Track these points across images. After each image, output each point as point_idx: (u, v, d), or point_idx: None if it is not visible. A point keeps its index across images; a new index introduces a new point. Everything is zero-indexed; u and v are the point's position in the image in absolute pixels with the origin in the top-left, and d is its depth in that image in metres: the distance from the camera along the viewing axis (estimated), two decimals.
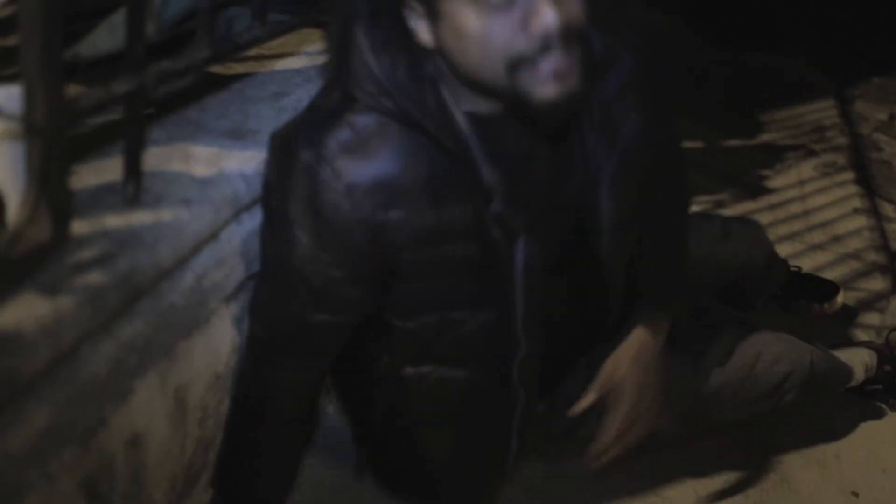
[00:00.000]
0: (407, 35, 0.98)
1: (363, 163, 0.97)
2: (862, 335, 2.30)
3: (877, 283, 2.66)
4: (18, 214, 0.79)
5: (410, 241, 1.01)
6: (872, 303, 2.52)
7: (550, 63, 0.91)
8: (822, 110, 4.55)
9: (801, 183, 3.44)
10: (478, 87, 0.98)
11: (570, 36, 0.91)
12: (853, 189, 3.42)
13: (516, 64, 0.92)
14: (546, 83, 0.92)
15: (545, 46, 0.90)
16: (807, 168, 3.62)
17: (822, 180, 3.49)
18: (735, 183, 3.32)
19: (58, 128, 0.77)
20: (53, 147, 0.77)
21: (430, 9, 0.94)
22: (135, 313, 0.90)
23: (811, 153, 3.81)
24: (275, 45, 1.43)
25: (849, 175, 3.57)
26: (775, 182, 3.43)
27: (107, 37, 0.97)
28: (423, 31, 0.97)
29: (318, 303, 1.05)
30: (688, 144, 3.75)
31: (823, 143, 4.00)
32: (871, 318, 2.45)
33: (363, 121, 0.98)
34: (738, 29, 5.95)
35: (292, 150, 0.99)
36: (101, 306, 0.83)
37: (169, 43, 1.05)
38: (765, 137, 3.99)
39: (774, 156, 3.74)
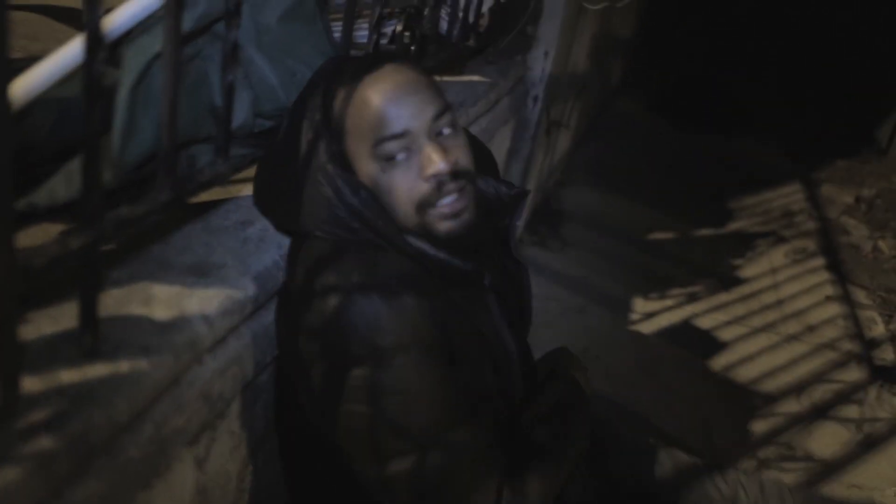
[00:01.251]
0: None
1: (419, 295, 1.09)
2: (841, 430, 2.29)
3: (854, 374, 2.66)
4: None
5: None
6: (850, 394, 2.51)
7: (447, 204, 1.11)
8: (790, 195, 4.64)
9: (773, 271, 3.47)
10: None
11: (458, 175, 1.11)
12: (824, 275, 3.46)
13: (421, 206, 1.11)
14: (445, 220, 1.12)
15: (440, 186, 1.10)
16: (778, 255, 3.66)
17: (793, 267, 3.53)
18: (708, 274, 3.35)
19: (8, 290, 0.75)
20: (2, 310, 0.75)
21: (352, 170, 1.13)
22: (89, 473, 0.86)
23: (781, 240, 3.86)
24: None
25: (819, 261, 3.62)
26: (748, 271, 3.46)
27: (64, 185, 0.96)
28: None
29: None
30: (660, 236, 3.80)
31: (793, 228, 4.06)
32: (850, 410, 2.44)
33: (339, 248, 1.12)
34: (707, 116, 6.11)
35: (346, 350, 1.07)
36: (52, 473, 0.79)
37: (130, 185, 1.04)
38: (735, 225, 4.04)
39: (745, 244, 3.78)
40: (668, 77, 6.93)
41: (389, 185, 1.10)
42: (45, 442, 0.79)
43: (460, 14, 2.21)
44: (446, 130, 1.12)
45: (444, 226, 1.12)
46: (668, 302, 3.06)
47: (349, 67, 1.14)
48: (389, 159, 1.09)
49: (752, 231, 3.98)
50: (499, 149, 2.69)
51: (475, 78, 2.36)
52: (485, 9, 2.46)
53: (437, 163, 1.08)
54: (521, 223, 1.33)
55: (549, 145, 3.47)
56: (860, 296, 3.33)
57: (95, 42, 0.83)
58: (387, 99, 1.09)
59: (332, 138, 1.12)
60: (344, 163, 1.12)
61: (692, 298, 3.11)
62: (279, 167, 1.16)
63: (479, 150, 1.39)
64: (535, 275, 2.91)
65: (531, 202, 3.45)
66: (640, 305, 3.01)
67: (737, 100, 6.80)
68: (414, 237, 1.13)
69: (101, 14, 0.84)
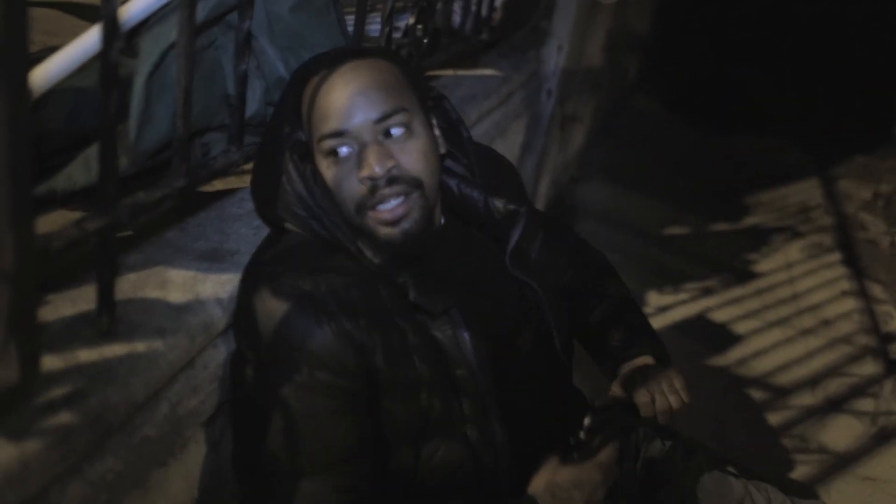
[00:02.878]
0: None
1: (311, 278, 1.06)
2: (856, 423, 2.29)
3: (868, 368, 2.65)
4: None
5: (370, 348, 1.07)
6: (865, 388, 2.51)
7: (386, 209, 1.08)
8: (807, 191, 4.62)
9: (789, 266, 3.46)
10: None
11: (397, 182, 1.08)
12: (840, 270, 3.44)
13: (359, 207, 1.09)
14: (384, 226, 1.10)
15: (373, 189, 1.07)
16: (793, 250, 3.65)
17: (809, 262, 3.52)
18: (723, 269, 3.35)
19: (27, 272, 0.77)
20: (23, 291, 0.77)
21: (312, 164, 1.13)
22: (106, 450, 0.89)
23: (797, 235, 3.85)
24: None
25: (835, 256, 3.60)
26: (763, 266, 3.45)
27: (82, 171, 0.99)
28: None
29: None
30: (675, 231, 3.79)
31: (809, 223, 4.04)
32: (865, 404, 2.43)
33: (296, 242, 1.11)
34: (722, 113, 6.09)
35: (254, 289, 1.06)
36: (71, 448, 0.82)
37: (146, 172, 1.07)
38: (751, 221, 4.03)
39: (761, 239, 3.77)
40: (683, 74, 6.91)
41: (335, 182, 1.10)
42: (63, 418, 0.82)
43: (473, 8, 2.22)
44: (396, 132, 1.10)
45: (382, 231, 1.10)
46: (682, 296, 3.06)
47: (321, 59, 1.15)
48: (333, 155, 1.09)
49: (768, 226, 3.97)
50: (512, 143, 2.71)
51: (488, 72, 2.37)
52: (498, 2, 2.48)
53: (370, 167, 1.06)
54: (517, 240, 1.27)
55: (562, 140, 3.47)
56: (876, 291, 3.31)
57: (112, 31, 0.86)
58: (332, 94, 1.09)
59: (297, 129, 1.12)
60: (308, 155, 1.12)
61: (706, 293, 3.12)
62: (262, 156, 1.17)
63: (494, 162, 1.39)
64: None
65: (546, 198, 3.46)
66: (654, 300, 3.01)
67: (752, 97, 6.77)
68: (363, 239, 1.11)
69: (117, 4, 0.86)
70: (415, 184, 1.10)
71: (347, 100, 1.08)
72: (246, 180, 1.42)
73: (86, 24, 2.13)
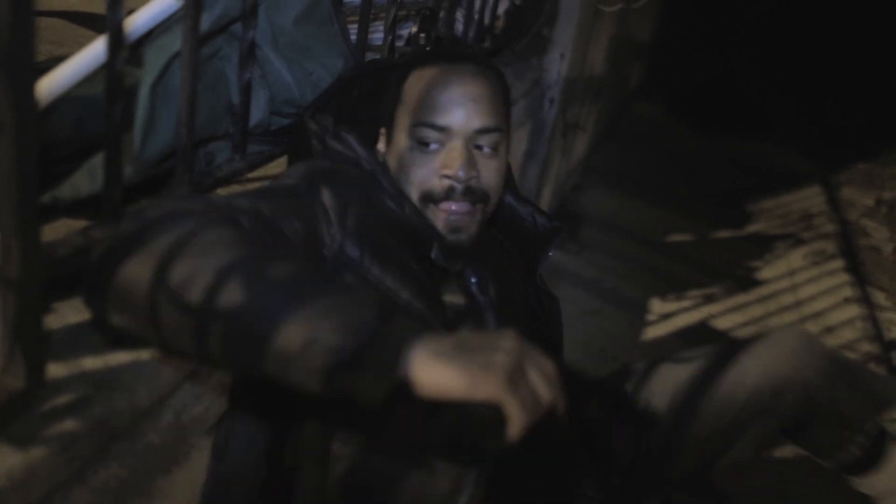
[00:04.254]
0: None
1: (367, 187, 1.14)
2: None
3: None
4: None
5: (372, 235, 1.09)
6: None
7: (454, 211, 1.15)
8: (810, 198, 4.62)
9: (792, 273, 3.46)
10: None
11: (472, 193, 1.15)
12: (843, 277, 3.45)
13: (425, 197, 1.16)
14: (447, 230, 1.16)
15: (449, 190, 1.14)
16: (796, 257, 3.65)
17: (811, 269, 3.52)
18: (726, 276, 3.35)
19: (33, 280, 0.78)
20: (29, 299, 0.78)
21: (388, 136, 1.22)
22: (110, 457, 0.89)
23: (800, 242, 3.85)
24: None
25: (838, 263, 3.60)
26: (766, 273, 3.46)
27: (87, 180, 0.99)
28: (381, 146, 1.25)
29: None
30: (678, 238, 3.80)
31: (812, 230, 4.04)
32: None
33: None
34: (725, 119, 6.10)
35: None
36: (75, 454, 0.82)
37: (149, 181, 1.07)
38: (754, 228, 4.04)
39: (764, 246, 3.77)
40: (686, 80, 6.92)
41: (410, 165, 1.16)
42: (68, 424, 0.83)
43: (476, 16, 2.23)
44: (486, 149, 1.17)
45: (446, 234, 1.16)
46: (686, 303, 3.06)
47: (441, 51, 1.25)
48: (421, 143, 1.15)
49: (771, 233, 3.98)
50: (515, 151, 2.72)
51: None
52: (500, 11, 2.49)
53: (456, 168, 1.13)
54: (552, 254, 1.36)
55: (565, 147, 3.48)
56: (879, 298, 3.31)
57: (117, 42, 0.87)
58: (447, 91, 1.15)
59: (393, 103, 1.21)
60: (388, 124, 1.22)
61: (709, 300, 3.12)
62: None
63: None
64: (553, 277, 2.92)
65: (549, 205, 3.47)
66: (658, 307, 3.02)
67: (755, 103, 6.78)
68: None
69: (122, 15, 0.87)
70: (484, 198, 1.17)
71: (460, 100, 1.14)
72: (249, 188, 1.44)
73: (91, 34, 2.16)
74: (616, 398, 1.42)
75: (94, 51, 1.05)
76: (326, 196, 1.05)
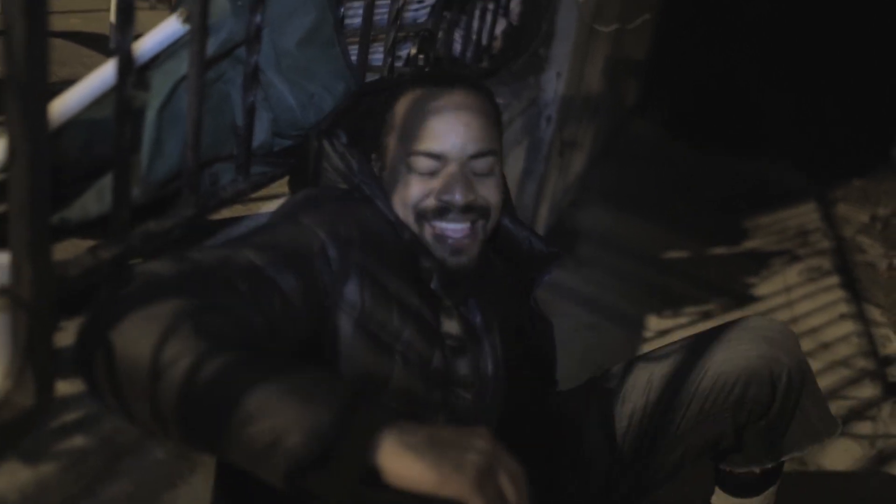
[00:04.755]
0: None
1: (365, 217, 1.14)
2: (854, 446, 2.30)
3: (867, 391, 2.67)
4: (3, 383, 0.81)
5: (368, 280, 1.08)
6: (864, 411, 2.52)
7: (451, 229, 1.15)
8: (805, 214, 4.65)
9: (788, 289, 3.49)
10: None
11: (472, 210, 1.16)
12: (839, 294, 3.47)
13: (420, 215, 1.16)
14: (450, 255, 1.16)
15: (444, 211, 1.15)
16: (792, 274, 3.68)
17: (807, 286, 3.54)
18: (722, 292, 3.37)
19: (44, 300, 0.80)
20: (40, 318, 0.80)
21: (383, 162, 1.23)
22: (118, 473, 0.91)
23: (796, 258, 3.88)
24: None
25: (834, 279, 3.63)
26: (762, 289, 3.48)
27: (95, 201, 1.02)
28: (376, 167, 1.25)
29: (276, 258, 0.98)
30: (674, 255, 3.82)
31: (808, 247, 4.07)
32: (864, 426, 2.45)
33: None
34: (720, 137, 6.15)
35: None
36: (84, 470, 0.84)
37: (155, 202, 1.10)
38: (750, 244, 4.07)
39: (760, 262, 3.80)
40: (682, 97, 6.97)
41: (405, 188, 1.17)
42: (77, 441, 0.85)
43: (474, 37, 2.26)
44: (482, 169, 1.18)
45: (447, 259, 1.16)
46: (682, 319, 3.08)
47: (429, 74, 1.25)
48: (417, 171, 1.16)
49: (767, 250, 4.01)
50: (513, 169, 2.74)
51: None
52: (498, 31, 2.52)
53: (454, 193, 1.14)
54: (548, 278, 1.36)
55: (562, 165, 3.51)
56: (875, 314, 3.34)
57: (126, 66, 0.89)
58: (440, 118, 1.16)
59: (382, 127, 1.22)
60: (381, 157, 1.23)
61: (706, 316, 3.14)
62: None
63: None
64: (550, 293, 2.94)
65: (546, 222, 3.50)
66: (654, 323, 3.04)
67: (752, 119, 6.83)
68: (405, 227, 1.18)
69: (130, 40, 0.90)
70: (485, 213, 1.19)
71: (453, 127, 1.16)
72: (252, 209, 1.46)
73: (93, 54, 2.18)
74: (590, 405, 1.42)
75: (102, 75, 1.08)
76: (324, 241, 1.04)
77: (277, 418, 0.72)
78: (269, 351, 0.85)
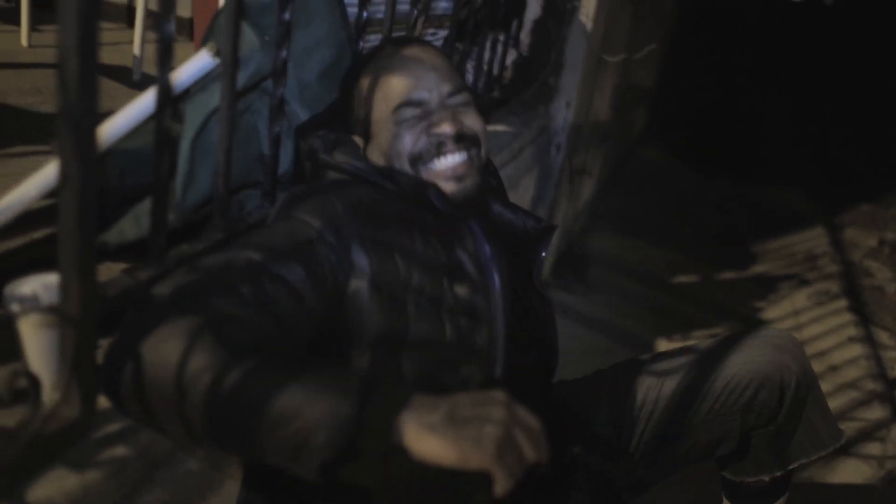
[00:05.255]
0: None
1: (345, 191, 1.17)
2: (863, 467, 2.32)
3: (876, 412, 2.69)
4: (51, 395, 0.87)
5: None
6: (873, 432, 2.55)
7: (450, 166, 1.21)
8: (813, 238, 4.68)
9: (796, 313, 3.52)
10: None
11: (464, 138, 1.22)
12: (847, 317, 3.49)
13: (415, 159, 1.21)
14: (447, 181, 1.22)
15: (439, 146, 1.21)
16: (800, 297, 3.70)
17: (816, 309, 3.56)
18: (731, 316, 3.40)
19: (89, 317, 0.86)
20: (85, 335, 0.86)
21: (367, 136, 1.28)
22: (154, 482, 0.96)
23: (804, 282, 3.90)
24: None
25: (842, 303, 3.65)
26: (770, 313, 3.51)
27: (132, 226, 1.08)
28: (358, 143, 1.29)
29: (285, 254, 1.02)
30: (683, 279, 3.86)
31: (816, 271, 4.10)
32: (873, 447, 2.47)
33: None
34: (728, 163, 6.19)
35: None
36: (124, 478, 0.90)
37: (188, 226, 1.16)
38: (758, 268, 4.10)
39: (768, 286, 3.83)
40: (690, 124, 7.03)
41: (396, 139, 1.22)
42: (118, 451, 0.90)
43: (485, 67, 2.33)
44: (460, 102, 1.25)
45: (446, 186, 1.22)
46: (691, 342, 3.10)
47: (377, 47, 1.32)
48: (404, 122, 1.22)
49: (775, 274, 4.03)
50: (523, 196, 2.80)
51: (500, 128, 2.47)
52: (508, 62, 2.59)
53: (443, 126, 1.20)
54: (545, 255, 1.39)
55: (572, 192, 3.57)
56: (883, 337, 3.36)
57: (165, 99, 0.96)
58: (409, 70, 1.23)
59: (353, 106, 1.27)
60: (364, 128, 1.27)
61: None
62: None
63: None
64: (560, 317, 2.98)
65: (556, 247, 3.55)
66: (663, 346, 3.07)
67: (760, 146, 6.89)
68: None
69: (169, 75, 0.96)
70: (475, 141, 1.25)
71: (424, 73, 1.23)
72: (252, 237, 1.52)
73: (116, 85, 2.26)
74: (598, 396, 1.43)
75: (136, 107, 1.14)
76: (319, 227, 1.06)
77: (300, 421, 0.77)
78: (284, 355, 0.89)
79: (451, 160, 1.22)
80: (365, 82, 1.26)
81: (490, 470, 0.76)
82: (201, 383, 0.80)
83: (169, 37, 0.91)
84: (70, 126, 0.79)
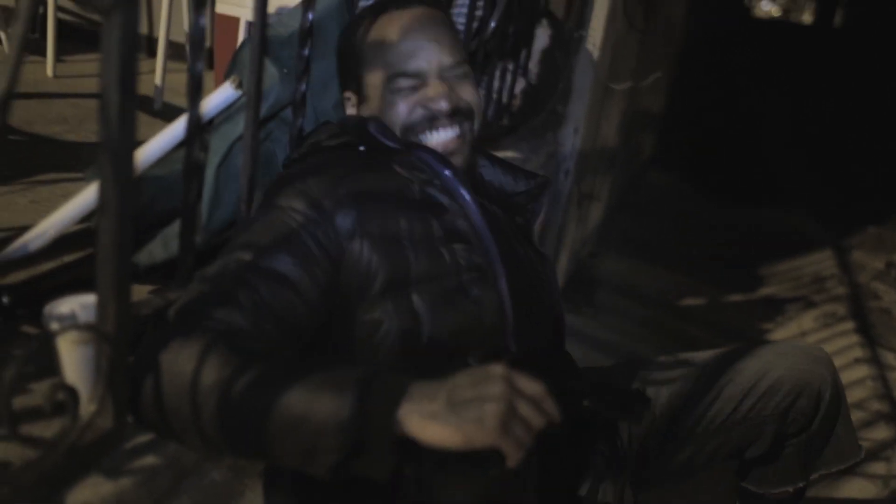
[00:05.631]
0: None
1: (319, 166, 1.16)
2: (868, 486, 2.35)
3: (882, 433, 2.72)
4: (87, 408, 0.92)
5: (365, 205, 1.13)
6: (878, 452, 2.57)
7: (441, 142, 1.23)
8: (821, 261, 4.71)
9: (803, 334, 3.55)
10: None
11: (459, 112, 1.23)
12: (854, 338, 3.52)
13: (407, 129, 1.23)
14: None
15: (432, 119, 1.22)
16: (807, 319, 3.73)
17: (823, 331, 3.59)
18: (739, 338, 3.44)
19: (124, 335, 0.92)
20: (120, 351, 0.92)
21: (360, 95, 1.28)
22: (181, 490, 1.02)
23: (811, 304, 3.94)
24: None
25: (849, 325, 3.68)
26: (778, 335, 3.54)
27: (161, 248, 1.14)
28: (351, 109, 1.31)
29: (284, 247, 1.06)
30: (691, 302, 3.90)
31: (823, 293, 4.13)
32: (878, 467, 2.49)
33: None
34: (736, 186, 6.24)
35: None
36: (154, 486, 0.95)
37: (213, 248, 1.22)
38: (765, 291, 4.13)
39: (776, 308, 3.86)
40: (698, 148, 7.09)
41: (390, 107, 1.23)
42: (149, 460, 0.96)
43: (494, 95, 2.40)
44: (459, 75, 1.25)
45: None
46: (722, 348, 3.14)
47: (380, 2, 1.28)
48: (399, 91, 1.23)
49: (782, 296, 4.07)
50: None
51: (509, 154, 2.53)
52: (517, 90, 2.66)
53: (437, 100, 1.22)
54: (540, 210, 1.43)
55: (580, 216, 3.63)
56: (889, 358, 3.38)
57: (195, 131, 1.02)
58: (411, 38, 1.23)
59: (351, 63, 1.27)
60: (358, 86, 1.28)
61: None
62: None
63: None
64: (569, 339, 3.02)
65: (566, 270, 3.60)
66: None
67: (768, 169, 6.93)
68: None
69: (199, 108, 1.03)
70: (469, 114, 1.26)
71: (425, 44, 1.23)
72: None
73: (140, 115, 2.33)
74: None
75: (165, 137, 1.21)
76: (303, 210, 1.08)
77: (306, 427, 0.82)
78: (285, 359, 0.95)
79: (442, 135, 1.24)
80: (364, 41, 1.26)
81: (498, 445, 0.79)
82: (211, 400, 0.86)
83: (199, 75, 0.97)
84: (110, 156, 0.85)
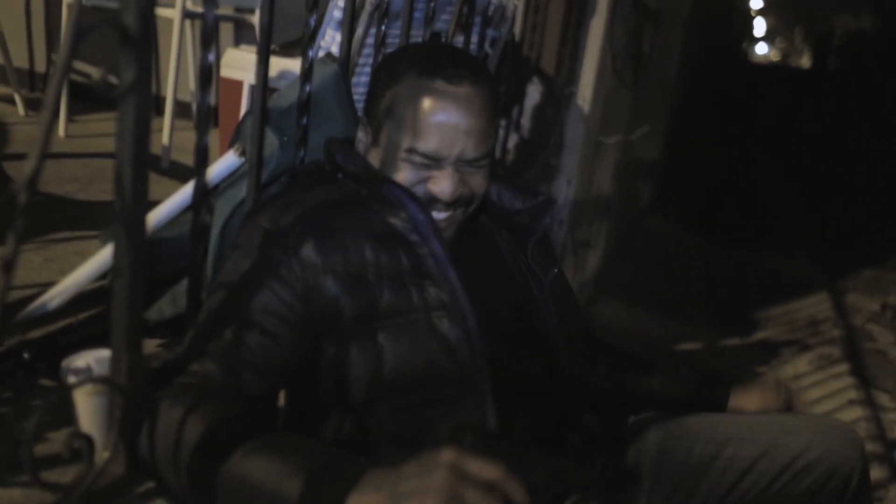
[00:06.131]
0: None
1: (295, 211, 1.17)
2: None
3: (875, 473, 2.75)
4: (101, 455, 1.00)
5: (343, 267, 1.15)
6: (872, 492, 2.61)
7: (434, 217, 1.21)
8: (816, 304, 4.77)
9: (797, 377, 3.59)
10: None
11: (458, 203, 1.22)
12: (848, 380, 3.56)
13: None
14: None
15: (431, 202, 1.21)
16: (802, 363, 3.78)
17: (817, 373, 3.63)
18: (734, 382, 3.47)
19: (136, 386, 1.00)
20: (132, 402, 1.00)
21: (374, 138, 1.27)
22: None
23: (806, 347, 3.98)
24: None
25: (843, 367, 3.72)
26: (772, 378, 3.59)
27: (169, 305, 1.23)
28: (360, 144, 1.30)
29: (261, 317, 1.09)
30: (688, 346, 3.95)
31: (818, 336, 4.18)
32: None
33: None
34: (735, 230, 6.33)
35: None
36: None
37: None
38: (761, 335, 4.18)
39: (771, 352, 3.91)
40: (694, 195, 7.19)
41: (397, 169, 1.22)
42: None
43: None
44: (474, 167, 1.23)
45: None
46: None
47: (439, 63, 1.22)
48: (411, 161, 1.21)
49: (778, 340, 4.11)
50: None
51: None
52: (510, 145, 2.76)
53: (445, 190, 1.20)
54: (546, 225, 1.40)
55: (577, 264, 3.70)
56: (883, 399, 3.42)
57: (201, 197, 1.12)
58: (443, 121, 1.19)
59: (379, 103, 1.25)
60: (375, 131, 1.26)
61: None
62: None
63: None
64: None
65: None
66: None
67: (763, 214, 7.02)
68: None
69: (205, 177, 1.12)
70: (469, 202, 1.25)
71: (454, 133, 1.19)
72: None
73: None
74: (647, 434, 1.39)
75: (174, 201, 1.31)
76: (275, 253, 1.12)
77: (260, 500, 0.90)
78: (256, 427, 0.99)
79: (434, 216, 1.22)
80: (399, 96, 1.22)
81: None
82: (186, 465, 0.96)
83: (205, 148, 1.07)
84: (123, 225, 0.94)
